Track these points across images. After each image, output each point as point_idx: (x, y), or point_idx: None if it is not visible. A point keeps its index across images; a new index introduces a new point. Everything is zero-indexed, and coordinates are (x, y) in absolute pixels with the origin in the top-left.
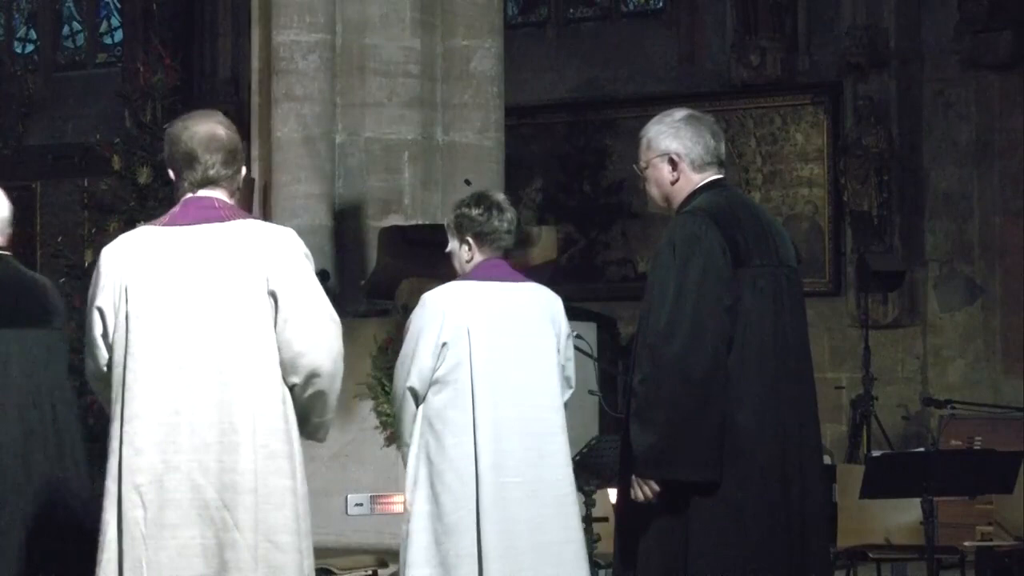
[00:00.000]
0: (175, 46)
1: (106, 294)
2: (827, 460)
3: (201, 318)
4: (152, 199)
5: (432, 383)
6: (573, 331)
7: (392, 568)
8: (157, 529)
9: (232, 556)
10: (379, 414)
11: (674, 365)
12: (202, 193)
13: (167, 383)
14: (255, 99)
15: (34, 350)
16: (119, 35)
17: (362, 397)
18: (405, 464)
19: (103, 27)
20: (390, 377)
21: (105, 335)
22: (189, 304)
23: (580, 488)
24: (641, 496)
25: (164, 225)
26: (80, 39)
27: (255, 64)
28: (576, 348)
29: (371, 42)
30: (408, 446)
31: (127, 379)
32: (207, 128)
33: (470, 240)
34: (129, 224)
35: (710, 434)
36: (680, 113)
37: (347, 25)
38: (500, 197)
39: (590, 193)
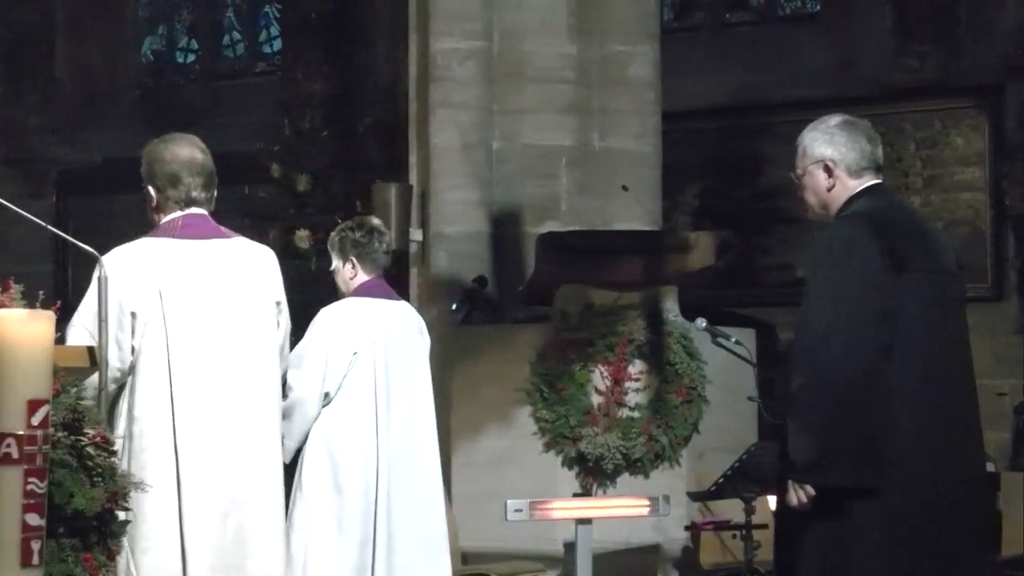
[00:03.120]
0: (333, 54)
1: (139, 298)
2: (990, 467)
3: (232, 324)
4: (311, 206)
5: (340, 388)
6: (731, 336)
7: (551, 573)
8: (215, 517)
9: (256, 543)
10: (537, 420)
11: (831, 370)
12: (192, 211)
13: (211, 386)
14: (412, 106)
15: None
16: (278, 44)
17: (521, 403)
18: (289, 458)
19: (262, 36)
20: (549, 383)
21: (133, 336)
22: (221, 311)
23: (739, 495)
24: (796, 501)
25: (174, 237)
26: (240, 48)
27: (412, 71)
28: (735, 354)
29: (527, 49)
30: (298, 444)
31: (173, 382)
32: (188, 152)
33: (353, 260)
34: (288, 232)
35: (866, 440)
36: (835, 119)
37: (503, 32)
38: (377, 222)
39: (747, 198)
